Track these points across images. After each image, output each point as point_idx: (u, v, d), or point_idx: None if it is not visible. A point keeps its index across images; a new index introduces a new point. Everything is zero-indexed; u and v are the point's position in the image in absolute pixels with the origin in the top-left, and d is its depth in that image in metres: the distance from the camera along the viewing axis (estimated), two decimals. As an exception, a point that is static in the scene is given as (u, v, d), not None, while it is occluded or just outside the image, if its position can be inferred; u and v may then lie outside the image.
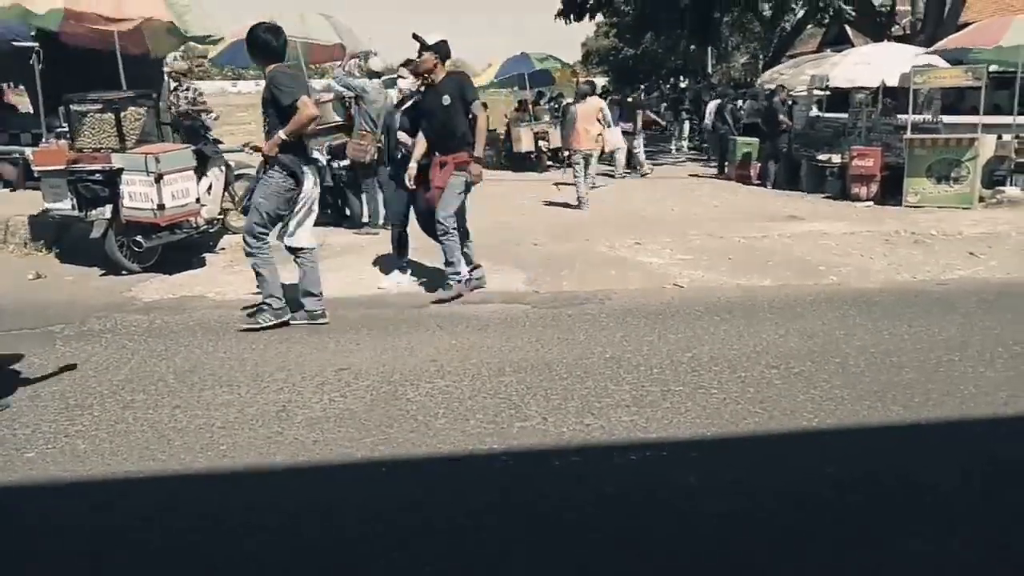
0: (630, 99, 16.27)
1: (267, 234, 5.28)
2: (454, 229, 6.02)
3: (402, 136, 6.46)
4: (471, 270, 6.36)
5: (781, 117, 12.94)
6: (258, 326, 5.26)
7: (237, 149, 8.52)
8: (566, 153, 11.57)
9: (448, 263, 6.10)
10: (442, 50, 5.92)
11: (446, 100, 5.86)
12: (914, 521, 2.95)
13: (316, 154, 5.56)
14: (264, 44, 5.21)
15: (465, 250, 6.30)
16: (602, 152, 14.64)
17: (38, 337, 5.18)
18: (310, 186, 5.30)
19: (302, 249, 5.40)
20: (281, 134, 5.07)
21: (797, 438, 3.68)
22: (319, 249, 5.58)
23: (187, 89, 9.15)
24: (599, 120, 12.29)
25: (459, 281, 6.09)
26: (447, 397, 4.12)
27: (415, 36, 5.92)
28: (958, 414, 3.89)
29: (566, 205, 10.97)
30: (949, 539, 2.85)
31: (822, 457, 3.49)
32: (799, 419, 3.83)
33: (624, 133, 14.75)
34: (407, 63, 7.18)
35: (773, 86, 14.55)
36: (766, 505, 3.08)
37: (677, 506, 3.09)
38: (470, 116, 5.93)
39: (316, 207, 5.48)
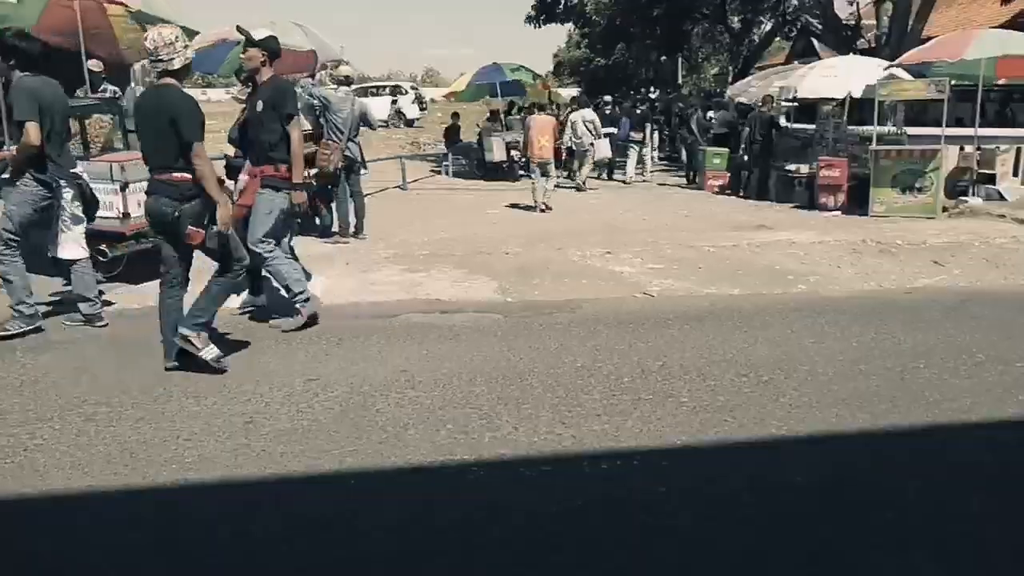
0: (639, 110, 17.02)
1: (17, 241, 5.25)
2: (270, 252, 5.36)
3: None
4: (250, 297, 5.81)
5: (782, 125, 13.24)
6: (7, 333, 5.20)
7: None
8: (523, 160, 12.42)
9: (286, 288, 5.48)
10: (270, 47, 5.35)
11: (259, 106, 5.28)
12: (879, 531, 2.97)
13: (79, 170, 5.49)
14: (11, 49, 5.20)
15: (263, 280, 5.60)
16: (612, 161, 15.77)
17: (-2, 348, 5.06)
18: (68, 199, 5.36)
19: (75, 260, 5.46)
20: (13, 150, 5.22)
21: (766, 446, 3.70)
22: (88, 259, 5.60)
23: (103, 91, 8.84)
24: (591, 130, 13.52)
25: (306, 302, 5.47)
26: (417, 407, 4.08)
27: (239, 28, 5.52)
28: (923, 421, 3.94)
29: (533, 208, 11.26)
30: (914, 548, 2.88)
31: (791, 465, 3.51)
32: (768, 427, 3.85)
33: (633, 142, 15.66)
34: (238, 71, 6.83)
35: (745, 99, 14.73)
36: (735, 514, 3.09)
37: (647, 515, 3.08)
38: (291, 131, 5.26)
39: (77, 217, 5.48)
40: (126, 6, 8.03)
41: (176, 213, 4.41)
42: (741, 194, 13.00)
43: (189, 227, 4.41)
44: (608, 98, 19.90)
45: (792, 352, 4.98)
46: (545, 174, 11.50)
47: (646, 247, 8.36)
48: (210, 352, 4.53)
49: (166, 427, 3.83)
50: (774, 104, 13.38)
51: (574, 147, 14.15)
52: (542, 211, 11.20)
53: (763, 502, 3.18)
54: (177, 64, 4.41)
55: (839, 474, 3.42)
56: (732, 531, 2.96)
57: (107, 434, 3.76)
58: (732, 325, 5.62)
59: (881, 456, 3.62)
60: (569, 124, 13.96)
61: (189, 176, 4.41)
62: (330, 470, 3.43)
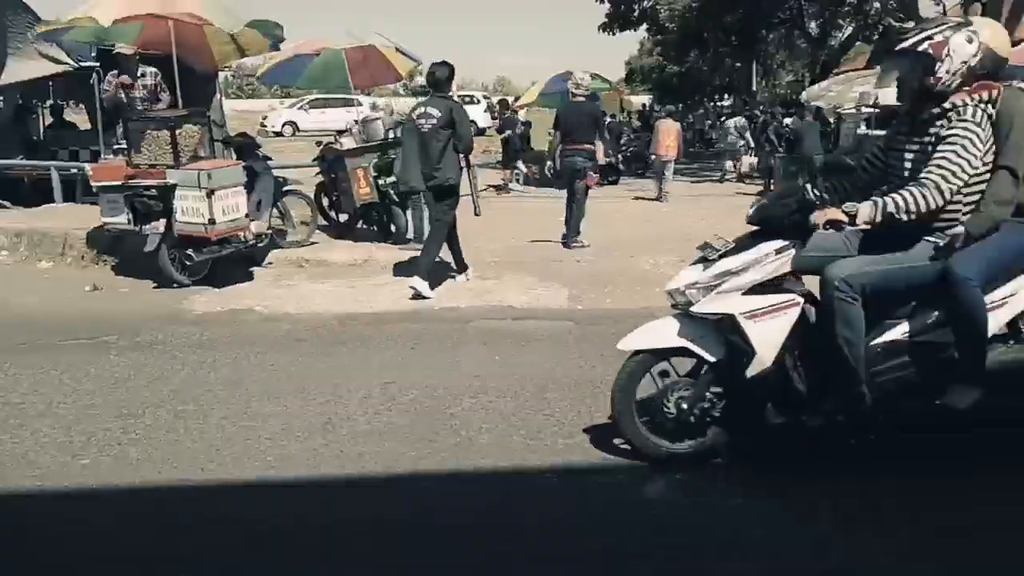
0: (761, 120, 18.94)
1: None
2: None
3: None
4: None
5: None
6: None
7: (288, 165, 8.65)
8: (651, 158, 14.59)
9: None
10: None
11: None
12: None
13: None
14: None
15: None
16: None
17: (93, 347, 5.32)
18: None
19: None
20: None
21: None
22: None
23: (141, 75, 8.26)
24: (741, 134, 16.54)
25: None
26: (490, 413, 4.12)
27: None
28: None
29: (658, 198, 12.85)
30: None
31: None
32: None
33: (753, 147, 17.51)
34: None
35: (823, 104, 14.37)
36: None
37: (727, 528, 3.04)
38: None
39: None
40: (208, 23, 8.35)
41: (585, 164, 8.58)
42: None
43: (590, 173, 8.65)
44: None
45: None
46: (664, 170, 13.49)
47: (720, 256, 8.21)
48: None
49: (248, 426, 3.97)
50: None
51: (726, 147, 17.01)
52: (658, 199, 13.03)
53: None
54: (589, 93, 9.05)
55: None
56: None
57: (194, 431, 3.91)
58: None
59: None
60: (723, 128, 18.02)
61: (592, 147, 8.60)
62: (405, 471, 3.49)
